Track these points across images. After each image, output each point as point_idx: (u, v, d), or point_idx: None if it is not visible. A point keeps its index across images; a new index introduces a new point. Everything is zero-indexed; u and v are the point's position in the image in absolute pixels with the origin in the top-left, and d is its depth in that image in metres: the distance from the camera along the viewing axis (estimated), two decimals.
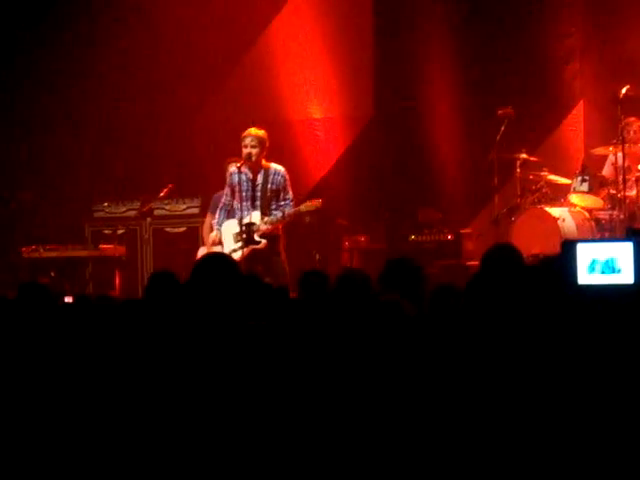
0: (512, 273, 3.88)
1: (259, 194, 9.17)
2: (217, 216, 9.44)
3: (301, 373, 3.83)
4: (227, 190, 9.37)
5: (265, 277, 8.84)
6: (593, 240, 5.06)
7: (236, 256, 8.97)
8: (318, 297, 5.23)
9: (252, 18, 12.50)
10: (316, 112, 12.69)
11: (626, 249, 3.79)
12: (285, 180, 9.25)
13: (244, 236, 9.02)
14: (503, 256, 5.21)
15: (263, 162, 9.24)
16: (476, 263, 10.32)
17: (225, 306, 4.24)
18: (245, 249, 9.06)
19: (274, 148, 10.44)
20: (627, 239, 3.96)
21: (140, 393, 3.94)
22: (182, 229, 11.18)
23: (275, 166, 9.27)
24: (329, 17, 12.46)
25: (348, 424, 3.60)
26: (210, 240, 9.38)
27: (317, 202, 9.26)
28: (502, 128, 10.67)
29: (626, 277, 3.76)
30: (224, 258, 4.77)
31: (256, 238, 9.10)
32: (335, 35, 12.44)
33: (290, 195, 9.27)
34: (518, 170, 10.77)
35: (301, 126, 12.62)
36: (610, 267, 3.78)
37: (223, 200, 9.42)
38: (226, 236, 9.32)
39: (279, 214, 9.16)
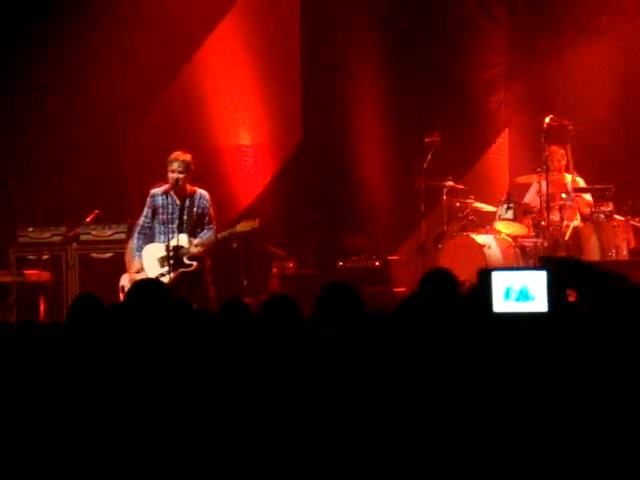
0: (447, 299, 3.93)
1: (185, 218, 9.12)
2: (135, 242, 9.27)
3: (222, 395, 3.83)
4: (147, 212, 9.26)
5: (192, 302, 8.82)
6: (508, 269, 5.11)
7: (163, 281, 8.91)
8: (241, 323, 5.21)
9: (180, 45, 12.46)
10: (245, 138, 12.69)
11: (539, 277, 3.87)
12: (209, 205, 9.23)
13: (172, 260, 8.94)
14: (440, 281, 5.28)
15: (188, 187, 9.22)
16: (404, 289, 10.40)
17: (159, 331, 4.23)
18: (173, 273, 8.99)
19: (202, 175, 10.41)
20: (540, 268, 4.03)
21: (65, 416, 3.90)
22: (109, 254, 11.06)
23: (200, 191, 9.25)
24: (257, 44, 12.48)
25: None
26: (133, 269, 9.22)
27: (254, 222, 9.21)
28: (429, 156, 10.79)
29: (540, 305, 3.84)
30: (158, 284, 4.76)
31: (185, 261, 9.04)
32: (263, 62, 12.46)
33: (213, 221, 9.24)
34: (445, 197, 10.90)
35: (230, 152, 12.60)
36: (524, 295, 3.84)
37: (140, 223, 9.26)
38: (149, 261, 9.20)
39: (212, 236, 9.12)
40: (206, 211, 9.20)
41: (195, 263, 9.05)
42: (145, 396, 3.77)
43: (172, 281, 8.94)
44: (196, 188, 9.25)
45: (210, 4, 12.51)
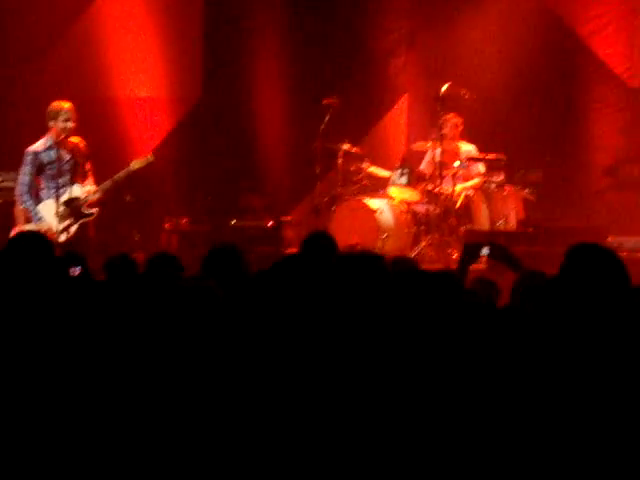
0: (326, 260, 3.95)
1: (72, 169, 8.90)
2: (30, 204, 8.90)
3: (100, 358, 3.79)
4: (31, 170, 8.93)
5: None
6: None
7: (65, 236, 8.74)
8: (124, 281, 5.17)
9: None
10: (141, 91, 12.49)
11: None
12: (85, 151, 9.00)
13: (71, 212, 8.75)
14: (320, 244, 5.34)
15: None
16: (294, 250, 10.41)
17: (36, 284, 4.15)
18: (75, 226, 8.80)
19: (96, 126, 10.24)
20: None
21: None
22: None
23: (79, 140, 9.00)
24: None
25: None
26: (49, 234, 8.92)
27: (149, 157, 9.03)
28: (327, 118, 10.78)
29: None
30: (38, 236, 4.66)
31: (85, 211, 8.86)
32: (164, 14, 12.27)
33: (91, 167, 9.04)
34: (340, 161, 10.91)
35: (125, 104, 12.40)
36: None
37: (27, 182, 8.91)
38: (47, 218, 8.96)
39: (107, 181, 8.91)
40: (84, 157, 8.98)
41: (96, 209, 8.87)
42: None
43: (75, 234, 8.77)
44: (74, 138, 9.00)
45: None
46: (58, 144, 8.83)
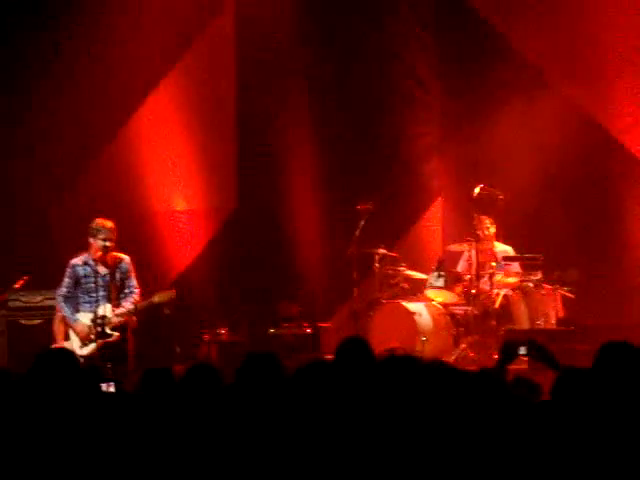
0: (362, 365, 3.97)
1: (109, 285, 9.05)
2: (65, 309, 9.16)
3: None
4: (68, 282, 9.15)
5: (113, 373, 8.73)
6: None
7: (87, 350, 8.82)
8: (161, 393, 5.17)
9: (116, 109, 12.48)
10: (179, 204, 12.68)
11: None
12: (130, 269, 9.16)
13: (97, 329, 8.87)
14: (355, 348, 5.33)
15: (110, 254, 9.14)
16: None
17: (64, 399, 4.18)
18: (96, 343, 8.91)
19: (135, 240, 10.38)
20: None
21: None
22: (38, 321, 10.90)
23: (120, 255, 9.18)
24: (192, 109, 12.53)
25: None
26: (83, 335, 9.06)
27: (171, 293, 9.20)
28: (362, 223, 10.86)
29: None
30: (64, 352, 4.71)
31: (107, 331, 8.97)
32: (198, 127, 12.51)
33: (134, 282, 9.17)
34: (377, 265, 10.95)
35: (164, 218, 12.58)
36: None
37: (64, 293, 9.17)
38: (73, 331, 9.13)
39: (130, 307, 9.05)
40: (128, 274, 9.14)
41: (117, 333, 8.98)
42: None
43: (93, 351, 8.85)
44: (117, 254, 9.18)
45: (146, 68, 12.54)
46: (95, 260, 9.00)
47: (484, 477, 3.39)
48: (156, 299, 9.12)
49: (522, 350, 5.15)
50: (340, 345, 5.33)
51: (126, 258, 9.18)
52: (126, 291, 9.13)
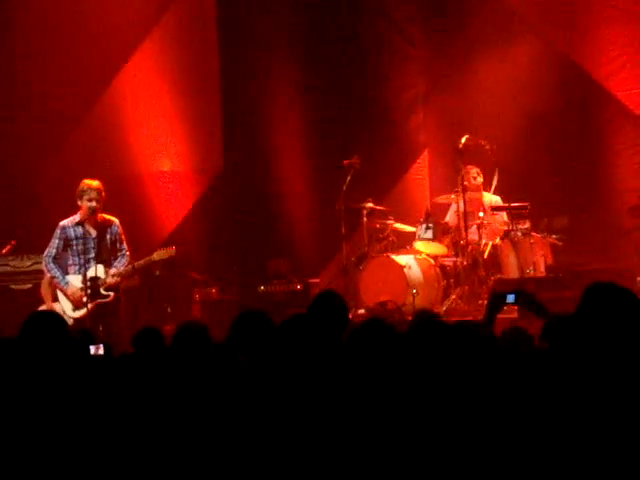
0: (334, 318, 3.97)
1: (101, 247, 9.04)
2: (55, 271, 9.13)
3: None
4: (58, 243, 9.11)
5: (104, 334, 8.75)
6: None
7: (80, 312, 8.82)
8: (153, 353, 5.18)
9: (98, 71, 12.40)
10: (165, 165, 12.64)
11: None
12: (120, 231, 9.15)
13: (89, 291, 8.85)
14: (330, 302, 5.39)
15: (99, 215, 9.13)
16: None
17: (51, 363, 4.19)
18: (90, 304, 8.89)
19: (123, 201, 10.35)
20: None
21: None
22: (28, 286, 10.89)
23: (109, 217, 9.16)
24: (177, 71, 12.46)
25: None
26: (75, 297, 9.03)
27: (170, 250, 9.16)
28: (348, 178, 10.83)
29: None
30: (51, 314, 4.71)
31: (102, 292, 8.96)
32: (183, 89, 12.44)
33: (125, 246, 9.16)
34: (365, 219, 10.94)
35: (150, 179, 12.55)
36: None
37: (52, 254, 9.13)
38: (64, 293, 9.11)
39: (128, 267, 9.04)
40: (118, 237, 9.12)
41: (112, 293, 8.97)
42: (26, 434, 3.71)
43: (89, 312, 8.85)
44: (106, 215, 9.15)
45: (128, 29, 12.45)
46: (85, 221, 8.98)
47: (476, 429, 3.40)
48: (155, 257, 9.10)
49: (510, 298, 5.17)
50: (314, 299, 5.40)
51: (116, 221, 9.16)
52: (118, 254, 9.11)
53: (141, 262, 9.11)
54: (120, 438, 3.80)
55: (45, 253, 9.22)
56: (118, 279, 9.00)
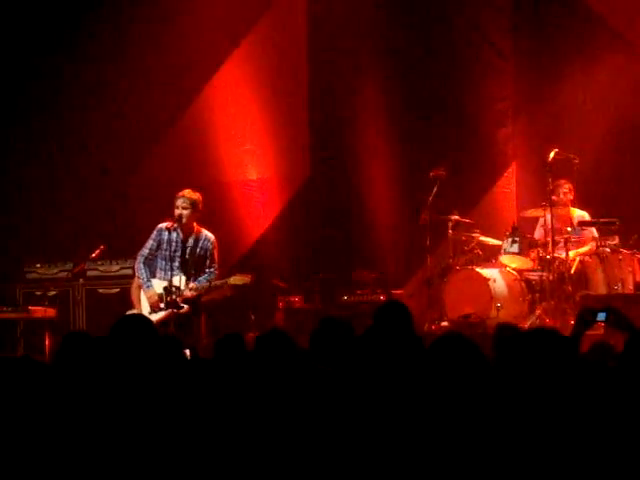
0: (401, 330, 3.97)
1: (187, 257, 9.13)
2: (142, 273, 9.26)
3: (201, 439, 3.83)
4: (152, 244, 9.23)
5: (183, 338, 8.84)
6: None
7: (155, 317, 8.91)
8: (233, 358, 5.22)
9: (188, 80, 12.56)
10: (252, 173, 12.73)
11: None
12: (214, 248, 9.22)
13: (168, 299, 8.95)
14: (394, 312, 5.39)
15: (195, 226, 9.22)
16: None
17: (141, 366, 4.25)
18: (164, 312, 9.00)
19: (210, 209, 10.43)
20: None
21: (53, 452, 3.91)
22: (116, 290, 11.09)
23: (206, 232, 9.25)
24: (265, 78, 12.56)
25: None
26: (152, 302, 9.16)
27: (247, 277, 9.14)
28: (434, 189, 10.79)
29: None
30: (142, 318, 4.79)
31: (178, 303, 9.04)
32: (270, 97, 12.53)
33: (215, 264, 9.23)
34: (450, 231, 10.89)
35: (237, 187, 12.65)
36: None
37: (144, 254, 9.26)
38: (144, 299, 9.24)
39: (205, 283, 9.11)
40: (209, 253, 9.19)
41: (186, 307, 9.03)
42: (129, 432, 3.77)
43: (161, 319, 8.94)
44: (202, 229, 9.25)
45: (220, 37, 12.59)
46: (177, 229, 9.06)
47: (555, 438, 3.37)
48: (231, 281, 9.11)
49: (600, 316, 5.08)
50: (378, 309, 5.40)
51: (211, 237, 9.24)
52: (206, 270, 9.18)
53: (218, 283, 9.16)
54: (200, 436, 3.84)
55: (139, 252, 9.35)
56: (194, 293, 9.07)
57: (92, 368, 4.42)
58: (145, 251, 9.29)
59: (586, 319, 5.10)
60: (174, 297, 8.97)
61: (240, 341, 5.59)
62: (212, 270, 9.18)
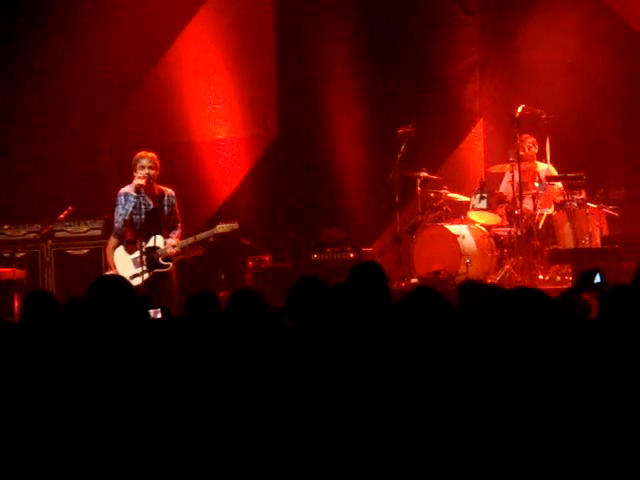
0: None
1: (158, 218, 9.09)
2: (121, 236, 9.19)
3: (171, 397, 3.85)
4: (121, 210, 9.17)
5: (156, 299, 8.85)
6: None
7: (137, 281, 8.89)
8: (205, 317, 5.23)
9: (153, 41, 12.45)
10: (220, 132, 12.68)
11: None
12: (175, 202, 9.19)
13: (148, 260, 8.92)
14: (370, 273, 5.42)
15: (156, 186, 9.17)
16: None
17: (118, 326, 4.27)
18: (147, 274, 8.97)
19: (179, 169, 10.42)
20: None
21: (17, 414, 3.91)
22: (85, 251, 11.05)
23: (168, 190, 9.19)
24: (231, 38, 12.48)
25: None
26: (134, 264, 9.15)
27: (233, 224, 9.15)
28: (403, 147, 10.81)
29: None
30: (119, 279, 4.79)
31: (161, 262, 9.02)
32: (237, 56, 12.46)
33: (179, 217, 9.19)
34: (419, 188, 10.92)
35: (206, 147, 12.60)
36: None
37: (119, 221, 9.19)
38: (122, 260, 9.18)
39: (189, 238, 9.08)
40: (173, 209, 9.17)
41: (171, 264, 9.01)
42: (100, 393, 3.78)
43: (146, 282, 8.92)
44: (163, 187, 9.21)
45: None
46: (139, 192, 9.00)
47: (533, 390, 3.42)
48: (219, 229, 9.11)
49: (598, 278, 5.11)
50: (353, 269, 5.42)
51: (173, 192, 9.19)
52: (173, 227, 9.16)
53: (203, 234, 9.14)
54: (172, 397, 3.86)
55: (116, 217, 9.18)
56: (179, 249, 9.05)
57: (58, 328, 4.42)
58: (119, 218, 9.17)
59: (584, 282, 5.13)
60: (155, 257, 8.93)
61: (213, 299, 5.60)
62: (178, 225, 9.15)
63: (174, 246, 9.00)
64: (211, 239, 11.08)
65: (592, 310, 5.16)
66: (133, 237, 9.08)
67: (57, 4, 12.39)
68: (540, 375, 3.50)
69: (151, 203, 9.09)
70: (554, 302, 3.77)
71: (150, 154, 9.12)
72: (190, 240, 9.09)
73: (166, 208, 9.11)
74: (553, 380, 3.49)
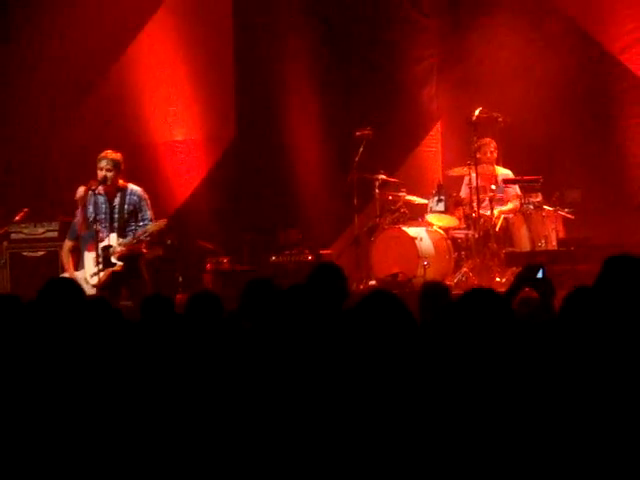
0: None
1: (116, 216, 9.07)
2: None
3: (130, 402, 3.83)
4: (81, 210, 9.18)
5: (128, 299, 8.86)
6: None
7: (94, 280, 8.86)
8: (161, 321, 5.21)
9: (111, 41, 12.38)
10: (178, 134, 12.65)
11: None
12: (141, 200, 9.14)
13: (101, 259, 8.90)
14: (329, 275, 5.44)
15: (120, 182, 9.14)
16: None
17: (68, 329, 4.24)
18: (102, 273, 8.94)
19: (136, 171, 10.34)
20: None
21: None
22: (41, 253, 10.96)
23: (132, 186, 9.17)
24: (189, 40, 12.44)
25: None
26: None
27: (161, 221, 9.17)
28: (361, 149, 10.84)
29: None
30: (69, 281, 4.76)
31: (113, 261, 9.00)
32: (195, 58, 12.43)
33: (149, 215, 9.15)
34: (377, 191, 10.95)
35: (164, 148, 12.56)
36: None
37: (78, 227, 9.22)
38: (86, 260, 9.19)
39: (130, 237, 9.08)
40: (138, 206, 9.12)
41: (121, 263, 8.99)
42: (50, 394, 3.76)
43: (103, 281, 8.89)
44: (128, 184, 9.18)
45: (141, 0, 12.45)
46: (99, 190, 8.99)
47: (491, 394, 3.43)
48: (150, 228, 9.09)
49: (540, 273, 5.14)
50: (312, 271, 5.44)
51: (138, 189, 9.16)
52: (140, 223, 9.12)
53: (139, 232, 9.11)
54: (126, 402, 3.84)
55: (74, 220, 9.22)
56: (124, 248, 9.03)
57: (16, 330, 4.38)
58: (79, 219, 9.16)
59: (527, 276, 5.14)
60: (108, 256, 8.92)
61: (168, 303, 5.57)
62: (146, 222, 9.11)
63: (120, 244, 9.00)
64: (168, 241, 11.13)
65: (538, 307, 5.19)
66: (90, 236, 9.08)
67: (13, 4, 12.28)
68: (497, 376, 3.52)
69: (107, 202, 9.06)
70: (506, 301, 3.79)
71: (112, 155, 9.10)
72: (130, 239, 9.05)
73: (126, 205, 9.08)
74: (510, 380, 3.51)
